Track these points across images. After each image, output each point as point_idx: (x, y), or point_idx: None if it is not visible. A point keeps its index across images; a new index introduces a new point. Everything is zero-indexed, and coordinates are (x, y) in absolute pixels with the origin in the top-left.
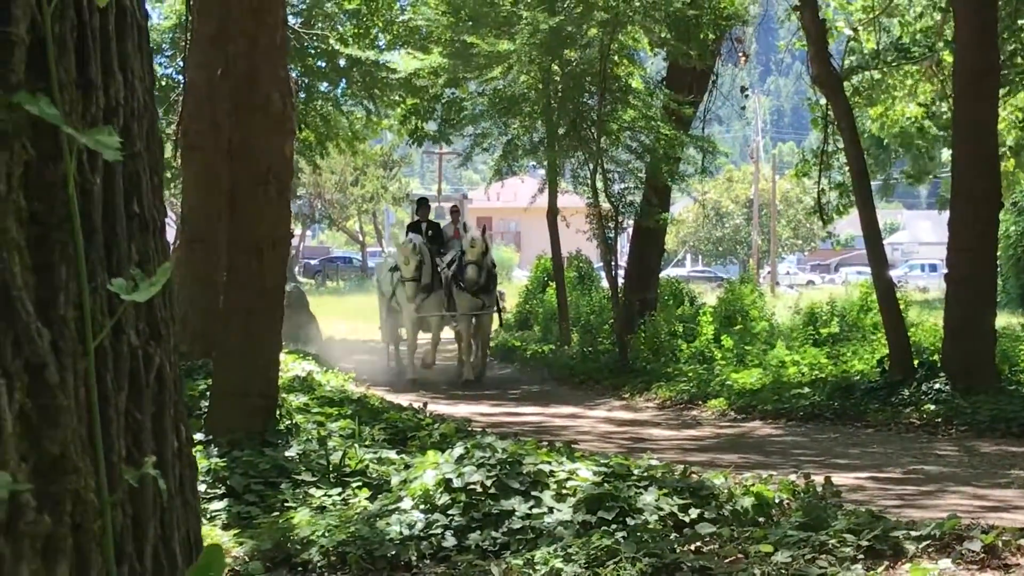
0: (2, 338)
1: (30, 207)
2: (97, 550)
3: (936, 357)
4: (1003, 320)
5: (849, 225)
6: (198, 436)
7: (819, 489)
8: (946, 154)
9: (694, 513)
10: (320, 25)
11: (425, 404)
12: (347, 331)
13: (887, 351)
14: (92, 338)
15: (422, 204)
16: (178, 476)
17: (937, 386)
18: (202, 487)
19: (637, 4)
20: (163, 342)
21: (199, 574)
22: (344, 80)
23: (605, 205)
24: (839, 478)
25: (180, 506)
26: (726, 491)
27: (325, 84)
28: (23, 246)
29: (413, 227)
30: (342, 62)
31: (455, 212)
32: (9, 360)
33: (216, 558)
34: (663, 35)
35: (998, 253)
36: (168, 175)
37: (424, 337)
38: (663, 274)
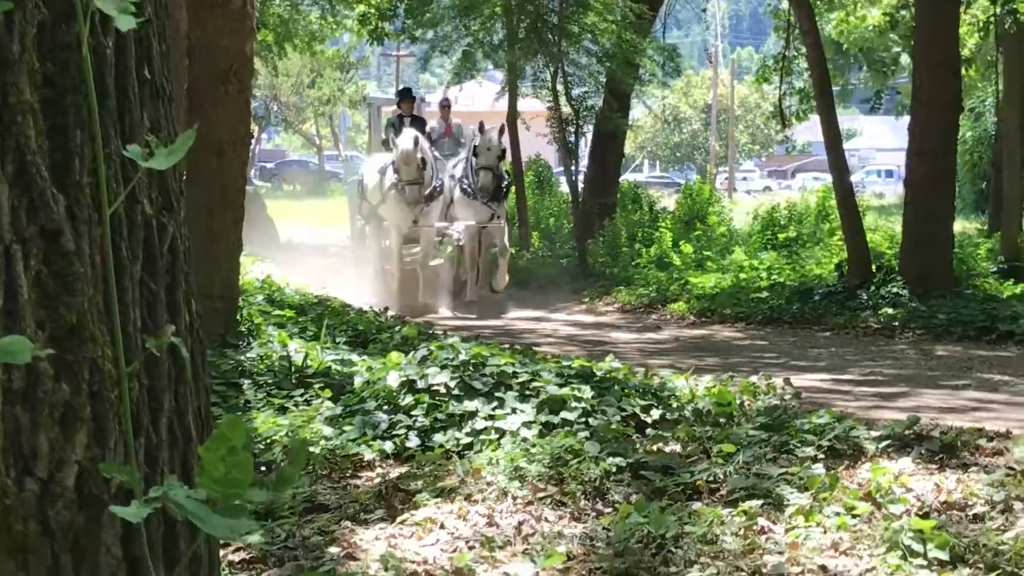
0: (16, 203)
1: (43, 69)
2: (114, 419)
3: (894, 262)
4: (959, 226)
5: (806, 131)
6: None
7: (779, 390)
8: (905, 59)
9: (656, 414)
10: None
11: (386, 308)
12: (305, 235)
13: (845, 256)
14: (108, 205)
15: (405, 96)
16: (190, 350)
17: (895, 290)
18: None
19: None
20: (175, 213)
21: (220, 443)
22: None
23: (565, 109)
24: (799, 380)
25: (192, 380)
26: (688, 392)
27: None
28: (37, 109)
29: (394, 123)
30: None
31: (446, 107)
32: (24, 226)
33: (237, 429)
34: None
35: (956, 159)
36: None
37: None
38: (622, 179)
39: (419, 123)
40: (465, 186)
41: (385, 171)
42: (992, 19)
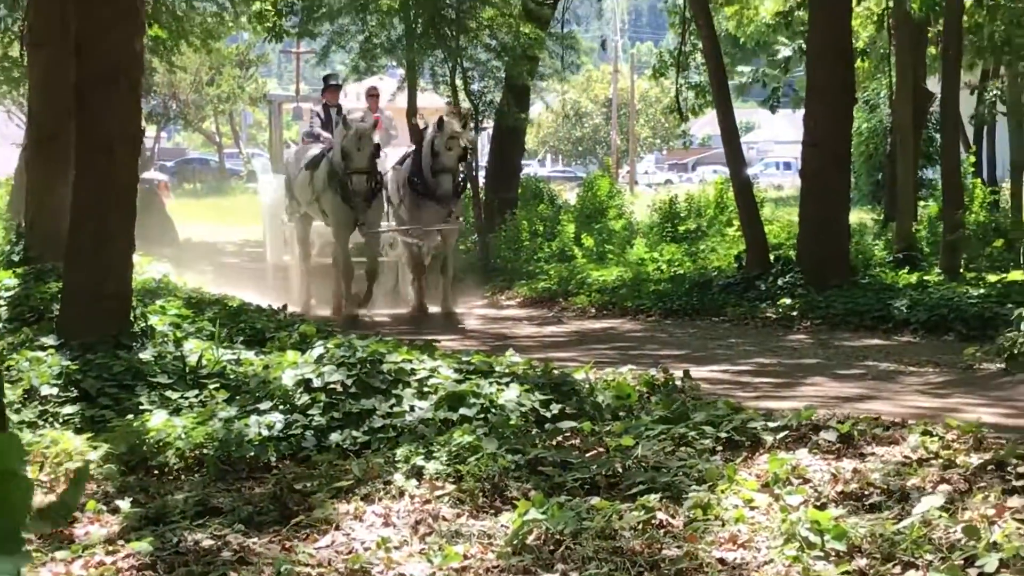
0: None
1: None
2: None
3: (792, 252)
4: (856, 216)
5: (706, 124)
6: (50, 340)
7: (678, 382)
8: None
9: (555, 408)
10: None
11: (284, 306)
12: (206, 233)
13: (744, 247)
14: None
15: (330, 84)
16: None
17: (792, 281)
18: (54, 391)
19: None
20: None
21: None
22: None
23: (465, 104)
24: (698, 372)
25: None
26: (587, 386)
27: None
28: None
29: (319, 114)
30: None
31: (373, 96)
32: None
33: (13, 448)
34: None
35: (851, 150)
36: (16, 75)
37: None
38: (523, 174)
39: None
40: (417, 185)
41: (317, 163)
42: (885, 11)
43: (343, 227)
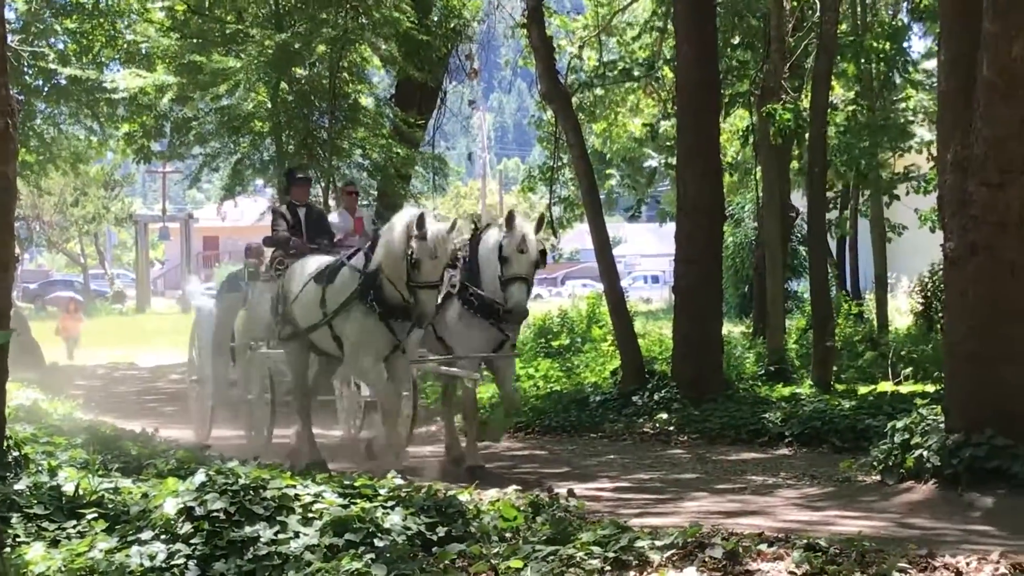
0: None
1: None
2: None
3: (666, 367)
4: (725, 329)
5: (574, 239)
6: None
7: (563, 502)
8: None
9: (442, 531)
10: (38, 43)
11: (157, 428)
12: (56, 355)
13: (619, 362)
14: None
15: (296, 180)
16: None
17: (668, 395)
18: None
19: (365, 21)
20: None
21: None
22: (65, 100)
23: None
24: (581, 489)
25: None
26: (472, 508)
27: (43, 104)
28: None
29: (280, 213)
30: (62, 80)
31: (351, 193)
32: None
33: None
34: (392, 53)
35: (722, 265)
36: None
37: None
38: None
39: (316, 215)
40: (470, 297)
41: (332, 275)
42: (750, 128)
43: (375, 354)
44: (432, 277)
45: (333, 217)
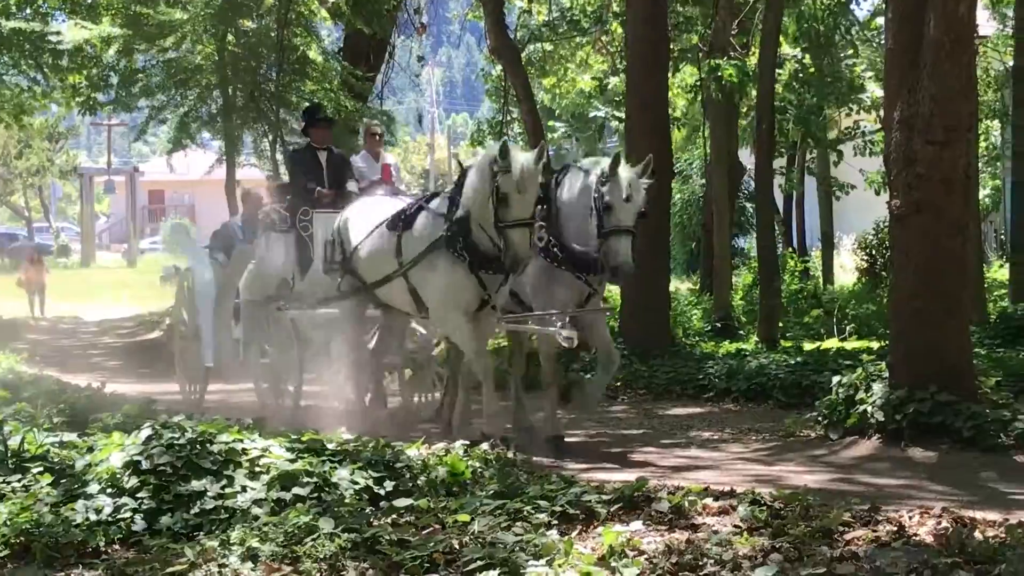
0: None
1: None
2: None
3: (614, 322)
4: (672, 286)
5: None
6: None
7: (510, 456)
8: (614, 124)
9: (389, 486)
10: None
11: (103, 383)
12: (16, 310)
13: None
14: None
15: (316, 121)
16: None
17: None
18: None
19: None
20: None
21: None
22: (7, 51)
23: (285, 178)
24: None
25: None
26: (420, 463)
27: None
28: None
29: (299, 157)
30: (4, 32)
31: (375, 135)
32: None
33: None
34: (340, 5)
35: (670, 223)
36: None
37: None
38: None
39: (338, 160)
40: (552, 247)
41: (410, 220)
42: (699, 84)
43: (463, 309)
44: (523, 214)
45: (357, 160)
